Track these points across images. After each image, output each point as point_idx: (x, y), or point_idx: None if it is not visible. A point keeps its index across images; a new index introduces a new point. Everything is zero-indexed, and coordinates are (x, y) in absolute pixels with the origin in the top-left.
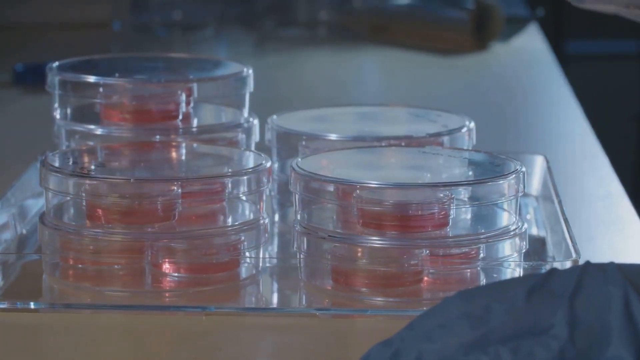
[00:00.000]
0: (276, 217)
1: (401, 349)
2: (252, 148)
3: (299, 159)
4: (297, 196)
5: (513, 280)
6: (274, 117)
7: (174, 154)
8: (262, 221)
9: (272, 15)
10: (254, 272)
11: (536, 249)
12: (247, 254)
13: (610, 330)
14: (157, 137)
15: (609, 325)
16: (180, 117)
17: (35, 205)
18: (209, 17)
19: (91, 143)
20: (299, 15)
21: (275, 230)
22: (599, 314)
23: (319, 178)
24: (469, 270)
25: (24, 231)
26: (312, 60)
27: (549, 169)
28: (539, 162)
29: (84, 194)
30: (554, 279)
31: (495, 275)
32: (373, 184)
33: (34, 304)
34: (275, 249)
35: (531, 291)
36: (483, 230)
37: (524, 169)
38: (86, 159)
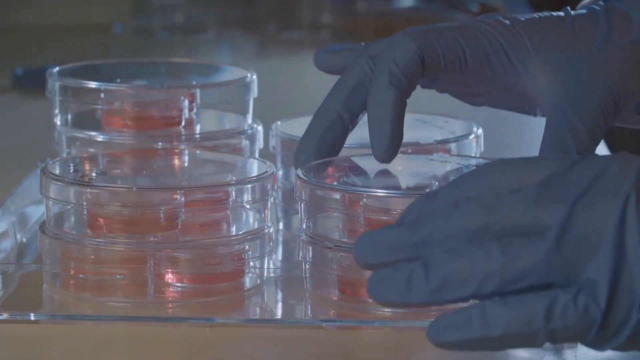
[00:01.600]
0: (280, 225)
1: (426, 216)
2: (256, 155)
3: (304, 166)
4: (302, 204)
5: (542, 161)
6: (278, 123)
7: (176, 161)
8: (266, 230)
9: (274, 18)
10: (258, 282)
11: None
12: (252, 263)
13: (599, 246)
14: (160, 143)
15: (600, 240)
16: (183, 123)
17: (36, 212)
18: (210, 20)
19: (92, 150)
20: (301, 18)
21: (280, 238)
22: (596, 225)
23: (325, 186)
24: None
25: (24, 239)
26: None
27: None
28: None
29: (85, 203)
30: (575, 170)
31: None
32: (380, 192)
33: (34, 315)
34: (280, 258)
35: (549, 180)
36: None
37: None
38: (87, 167)
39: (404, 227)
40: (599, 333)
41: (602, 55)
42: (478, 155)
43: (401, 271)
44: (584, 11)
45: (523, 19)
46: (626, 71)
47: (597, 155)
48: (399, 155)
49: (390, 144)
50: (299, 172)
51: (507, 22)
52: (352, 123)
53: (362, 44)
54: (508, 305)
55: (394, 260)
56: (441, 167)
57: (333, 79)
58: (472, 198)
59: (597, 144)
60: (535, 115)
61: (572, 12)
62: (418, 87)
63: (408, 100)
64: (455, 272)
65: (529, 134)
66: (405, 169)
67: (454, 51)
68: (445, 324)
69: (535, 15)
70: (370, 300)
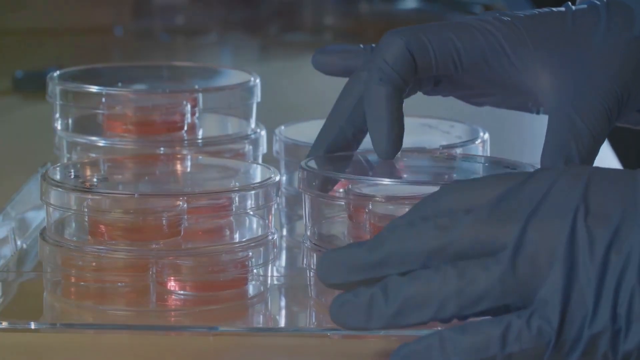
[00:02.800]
0: (284, 231)
1: (385, 237)
2: (260, 160)
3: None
4: (306, 211)
5: (495, 179)
6: (282, 127)
7: (178, 167)
8: (270, 237)
9: (276, 20)
10: (262, 289)
11: None
12: (255, 271)
13: (551, 264)
14: (162, 149)
15: (552, 258)
16: (185, 128)
17: (36, 217)
18: (212, 22)
19: (93, 155)
20: (304, 20)
21: (284, 244)
22: (548, 243)
23: (331, 176)
24: None
25: (24, 246)
26: None
27: None
28: None
29: (86, 210)
30: (527, 186)
31: None
32: (384, 198)
33: (34, 324)
34: (283, 264)
35: (501, 199)
36: None
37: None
38: (88, 172)
39: (364, 247)
40: (554, 352)
41: (604, 52)
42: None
43: (361, 296)
44: (584, 6)
45: (523, 15)
46: (629, 68)
47: (546, 169)
48: (405, 159)
49: (388, 139)
50: (304, 163)
51: (507, 18)
52: (357, 137)
53: (361, 45)
54: (465, 333)
55: (356, 280)
56: (447, 165)
57: (336, 81)
58: (428, 218)
59: (601, 144)
60: (538, 113)
61: (573, 8)
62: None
63: (410, 103)
64: (413, 297)
65: (535, 138)
66: (411, 171)
67: (446, 48)
68: (406, 353)
69: (536, 11)
70: None
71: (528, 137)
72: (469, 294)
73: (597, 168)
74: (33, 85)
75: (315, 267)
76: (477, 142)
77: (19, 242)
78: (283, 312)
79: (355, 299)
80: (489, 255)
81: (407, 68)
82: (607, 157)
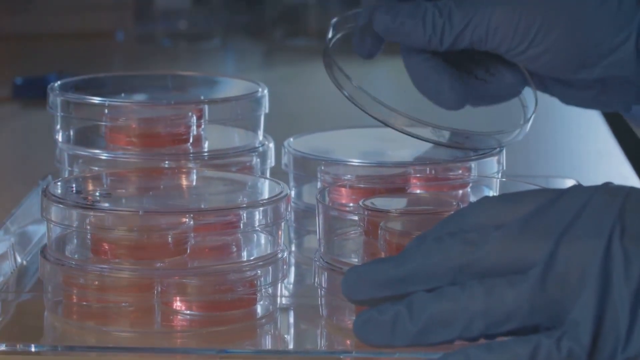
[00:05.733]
0: (293, 247)
1: (412, 252)
2: (268, 173)
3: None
4: (319, 227)
5: (527, 195)
6: (291, 140)
7: (184, 181)
8: (280, 255)
9: (281, 25)
10: (271, 309)
11: None
12: (264, 290)
13: (583, 284)
14: (166, 162)
15: (584, 278)
16: (191, 140)
17: (37, 232)
18: (215, 27)
19: (96, 168)
20: (308, 25)
21: (292, 260)
22: (580, 262)
23: (343, 208)
24: None
25: (25, 262)
26: (323, 71)
27: None
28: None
29: (88, 227)
30: (560, 202)
31: None
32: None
33: (34, 347)
34: (292, 281)
35: (533, 215)
36: None
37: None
38: (90, 187)
39: (389, 262)
40: None
41: None
42: (498, 171)
43: (386, 313)
44: None
45: None
46: None
47: (581, 186)
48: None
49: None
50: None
51: None
52: None
53: None
54: (492, 351)
55: (381, 296)
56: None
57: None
58: (456, 234)
59: None
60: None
61: None
62: None
63: (418, 110)
64: (439, 315)
65: (552, 152)
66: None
67: None
68: None
69: None
70: None
71: (542, 148)
72: (496, 313)
73: (634, 188)
74: (33, 92)
75: (325, 285)
76: (492, 155)
77: (19, 259)
78: (293, 333)
79: (379, 315)
80: (519, 273)
81: None
82: (624, 171)
